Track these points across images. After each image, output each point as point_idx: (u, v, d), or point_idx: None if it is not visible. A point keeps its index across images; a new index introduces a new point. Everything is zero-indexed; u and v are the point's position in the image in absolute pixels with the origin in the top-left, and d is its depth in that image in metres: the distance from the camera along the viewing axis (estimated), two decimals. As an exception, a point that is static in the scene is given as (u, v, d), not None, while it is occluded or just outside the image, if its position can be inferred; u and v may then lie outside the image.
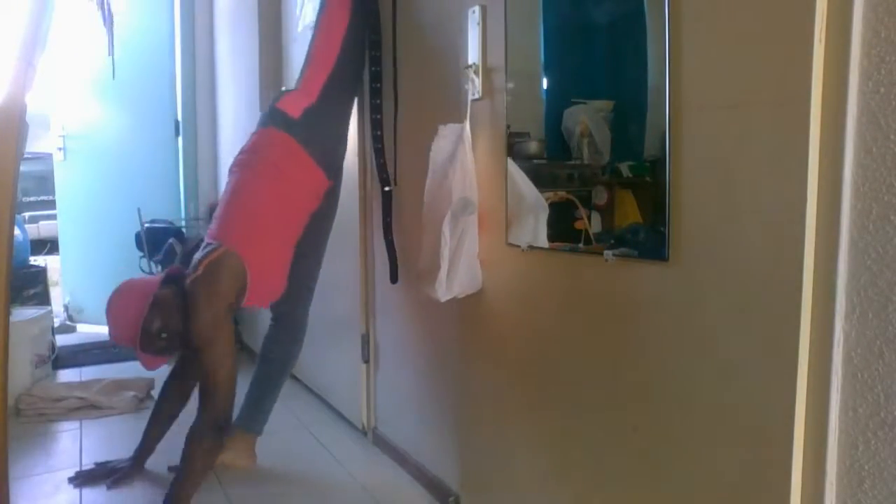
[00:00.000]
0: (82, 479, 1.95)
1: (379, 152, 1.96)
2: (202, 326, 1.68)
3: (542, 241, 1.35)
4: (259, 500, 1.88)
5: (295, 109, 1.91)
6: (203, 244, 1.80)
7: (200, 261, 1.73)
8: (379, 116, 1.97)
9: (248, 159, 1.90)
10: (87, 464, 2.07)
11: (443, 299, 1.49)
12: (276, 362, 2.12)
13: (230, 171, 1.92)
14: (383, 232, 1.95)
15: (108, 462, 2.03)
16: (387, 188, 1.95)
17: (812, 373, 0.88)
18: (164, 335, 1.72)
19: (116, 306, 1.74)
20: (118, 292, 1.75)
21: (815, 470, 0.88)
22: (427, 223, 1.53)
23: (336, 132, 2.02)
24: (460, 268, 1.48)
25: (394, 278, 1.96)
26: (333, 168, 1.98)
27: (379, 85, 1.97)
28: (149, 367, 1.77)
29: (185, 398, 2.01)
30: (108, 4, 3.32)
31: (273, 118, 1.93)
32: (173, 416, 2.01)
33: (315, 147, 1.90)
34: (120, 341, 1.74)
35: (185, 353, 1.92)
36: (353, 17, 1.99)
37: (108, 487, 1.91)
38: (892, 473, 0.81)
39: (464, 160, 1.47)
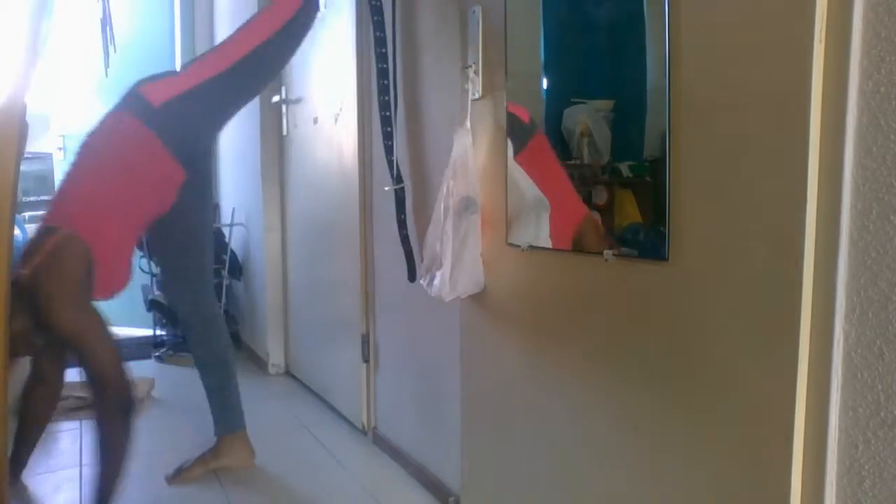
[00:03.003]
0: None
1: (389, 149, 1.93)
2: (66, 319, 1.56)
3: (543, 240, 1.35)
4: (259, 500, 1.88)
5: (157, 98, 1.79)
6: (38, 229, 1.63)
7: (38, 247, 1.56)
8: (388, 113, 1.93)
9: (92, 143, 1.78)
10: (87, 463, 2.07)
11: (447, 299, 1.49)
12: (215, 364, 2.06)
13: (75, 154, 1.78)
14: (398, 228, 1.91)
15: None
16: (391, 187, 1.93)
17: (812, 373, 0.88)
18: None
19: None
20: None
21: (815, 470, 0.88)
22: (432, 224, 1.53)
23: (203, 127, 1.93)
24: (464, 267, 1.48)
25: (411, 276, 1.92)
26: (191, 162, 1.85)
27: (386, 82, 1.95)
28: None
29: (53, 401, 1.88)
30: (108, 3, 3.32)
31: (128, 102, 1.83)
32: (43, 425, 1.88)
33: (172, 138, 1.78)
34: None
35: (38, 354, 1.77)
36: (288, 29, 1.91)
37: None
38: (892, 473, 0.81)
39: (466, 160, 1.47)
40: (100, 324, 1.62)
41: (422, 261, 1.60)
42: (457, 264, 1.47)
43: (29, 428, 1.84)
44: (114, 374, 1.60)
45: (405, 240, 1.91)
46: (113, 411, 1.60)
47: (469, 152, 1.48)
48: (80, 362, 1.60)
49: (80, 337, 1.57)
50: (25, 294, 1.52)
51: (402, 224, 1.91)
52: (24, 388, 1.82)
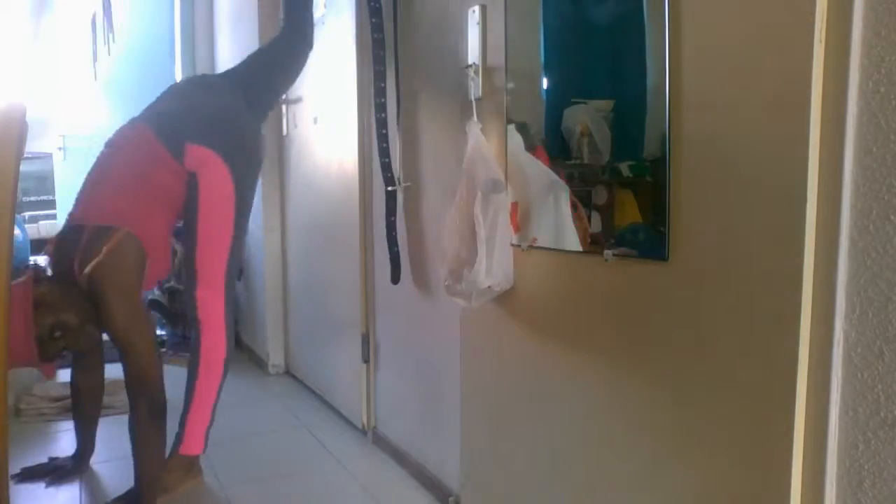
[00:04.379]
0: (25, 476, 1.94)
1: (384, 151, 1.95)
2: (121, 316, 1.62)
3: (543, 240, 1.35)
4: (259, 500, 1.88)
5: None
6: (82, 228, 1.66)
7: (96, 246, 1.62)
8: (384, 115, 1.95)
9: (117, 142, 1.83)
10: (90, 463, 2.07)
11: (483, 286, 1.40)
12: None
13: (100, 158, 1.82)
14: (386, 231, 1.94)
15: (54, 459, 2.03)
16: (390, 188, 1.94)
17: (812, 373, 0.88)
18: (57, 333, 1.64)
19: None
20: None
21: (815, 470, 0.88)
22: (454, 220, 1.46)
23: (227, 121, 1.91)
24: (497, 252, 1.40)
25: (395, 279, 1.95)
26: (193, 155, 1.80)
27: (383, 84, 1.96)
28: (51, 374, 1.70)
29: (98, 388, 1.99)
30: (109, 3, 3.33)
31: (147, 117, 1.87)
32: (96, 408, 2.00)
33: (160, 124, 1.80)
34: (16, 363, 1.59)
35: (85, 350, 1.84)
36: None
37: (47, 485, 1.91)
38: (892, 473, 0.81)
39: (481, 148, 1.44)
40: (148, 326, 1.68)
41: (446, 263, 1.53)
42: (490, 248, 1.39)
43: (87, 415, 1.98)
44: (152, 376, 1.67)
45: (393, 242, 1.92)
46: (148, 411, 1.66)
47: (483, 141, 1.45)
48: (123, 359, 1.66)
49: (129, 335, 1.63)
50: (83, 292, 1.61)
51: (391, 226, 1.92)
52: (72, 380, 1.96)
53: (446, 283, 1.47)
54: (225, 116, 1.90)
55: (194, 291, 1.81)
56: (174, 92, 2.02)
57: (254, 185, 1.94)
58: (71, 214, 1.75)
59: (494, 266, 1.40)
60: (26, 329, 1.57)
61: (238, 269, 1.92)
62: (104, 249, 1.61)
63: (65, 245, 1.69)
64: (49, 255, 1.73)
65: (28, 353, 1.59)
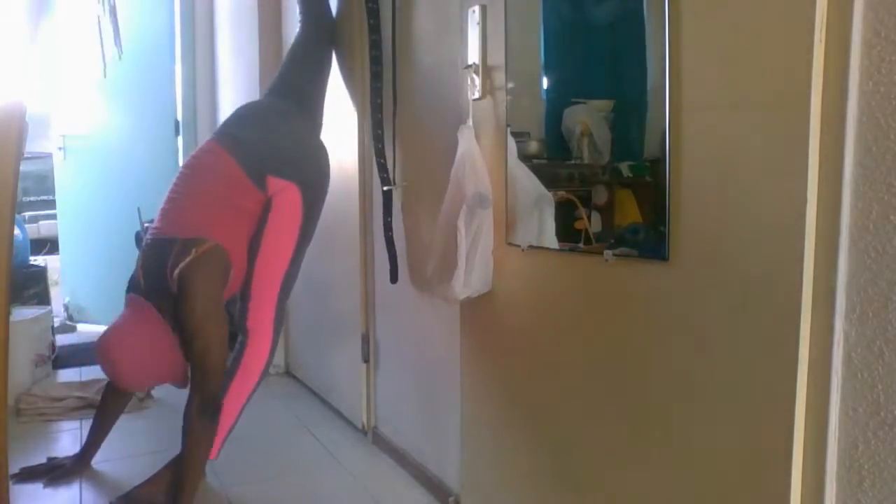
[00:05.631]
0: (24, 476, 1.94)
1: (380, 152, 1.96)
2: (195, 315, 1.69)
3: (543, 240, 1.35)
4: (259, 500, 1.88)
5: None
6: (171, 241, 1.75)
7: (183, 254, 1.71)
8: (380, 116, 1.97)
9: (199, 165, 1.93)
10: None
11: (460, 297, 1.47)
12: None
13: (181, 175, 1.92)
14: (384, 230, 1.95)
15: (53, 458, 2.04)
16: (386, 188, 1.95)
17: (812, 373, 0.88)
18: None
19: (132, 358, 1.73)
20: (120, 343, 1.73)
21: (815, 470, 0.88)
22: (441, 223, 1.51)
23: (286, 139, 2.01)
24: (476, 265, 1.46)
25: (393, 278, 1.96)
26: (271, 176, 1.89)
27: (380, 85, 1.98)
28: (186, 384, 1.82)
29: (128, 395, 2.08)
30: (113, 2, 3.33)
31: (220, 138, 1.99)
32: (118, 413, 2.06)
33: (242, 153, 1.89)
34: (167, 381, 1.80)
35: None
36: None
37: (45, 485, 1.91)
38: (892, 473, 0.81)
39: (473, 156, 1.46)
40: (222, 328, 1.75)
41: (430, 263, 1.58)
42: (469, 261, 1.45)
43: (108, 416, 2.05)
44: (215, 378, 1.74)
45: (390, 242, 1.93)
46: (201, 405, 1.72)
47: (475, 148, 1.46)
48: (192, 357, 1.73)
49: (202, 329, 1.70)
50: (168, 292, 1.72)
51: (387, 226, 1.93)
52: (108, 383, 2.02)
53: (429, 280, 1.56)
54: (302, 148, 2.04)
55: (248, 302, 1.89)
56: (249, 117, 2.11)
57: (321, 208, 2.04)
58: (157, 228, 1.84)
59: (473, 279, 1.46)
60: (168, 338, 1.73)
61: (292, 287, 2.00)
62: (194, 252, 1.71)
63: (153, 256, 1.77)
64: (139, 267, 1.82)
65: (178, 363, 1.76)
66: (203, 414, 1.72)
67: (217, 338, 1.73)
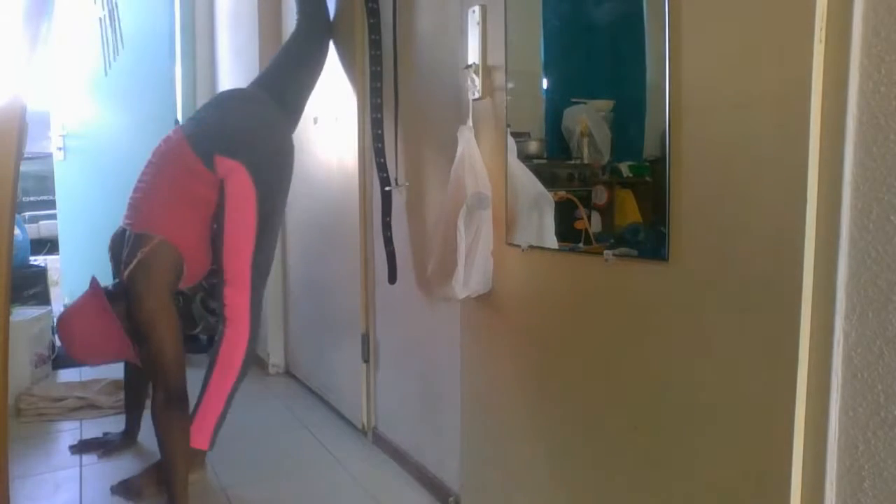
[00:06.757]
0: (81, 448, 2.16)
1: (379, 152, 1.96)
2: (143, 316, 1.76)
3: (543, 241, 1.35)
4: (259, 499, 1.88)
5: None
6: (128, 235, 1.84)
7: (134, 251, 1.78)
8: (379, 116, 1.97)
9: (161, 151, 1.95)
10: (87, 463, 2.08)
11: (460, 297, 1.48)
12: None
13: (144, 171, 1.95)
14: (382, 230, 1.95)
15: (107, 433, 2.23)
16: (386, 188, 1.95)
17: (812, 373, 0.88)
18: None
19: (83, 332, 1.81)
20: (72, 322, 1.82)
21: (815, 470, 0.88)
22: (441, 223, 1.52)
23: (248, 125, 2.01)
24: (475, 265, 1.47)
25: (392, 279, 1.96)
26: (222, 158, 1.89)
27: (379, 85, 1.98)
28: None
29: (145, 379, 2.12)
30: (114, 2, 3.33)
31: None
32: (142, 395, 2.17)
33: (195, 135, 1.91)
34: (112, 358, 1.88)
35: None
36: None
37: (99, 457, 2.10)
38: (892, 473, 0.81)
39: (472, 158, 1.46)
40: (173, 318, 1.80)
41: (430, 263, 1.59)
42: (469, 262, 1.46)
43: (136, 393, 2.18)
44: (174, 370, 1.78)
45: (388, 242, 1.93)
46: (165, 397, 1.76)
47: (475, 149, 1.47)
48: (146, 352, 1.79)
49: (153, 328, 1.76)
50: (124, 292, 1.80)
51: (386, 226, 1.94)
52: (125, 372, 2.18)
53: (429, 280, 1.56)
54: (253, 128, 2.00)
55: (222, 289, 1.92)
56: (214, 103, 2.14)
57: (282, 191, 2.04)
58: (124, 215, 1.91)
59: (473, 279, 1.47)
60: (115, 324, 1.78)
61: (267, 272, 2.02)
62: (139, 255, 1.77)
63: (117, 244, 1.89)
64: (109, 250, 1.93)
65: (126, 345, 1.80)
66: (168, 407, 1.76)
67: (169, 335, 1.78)
